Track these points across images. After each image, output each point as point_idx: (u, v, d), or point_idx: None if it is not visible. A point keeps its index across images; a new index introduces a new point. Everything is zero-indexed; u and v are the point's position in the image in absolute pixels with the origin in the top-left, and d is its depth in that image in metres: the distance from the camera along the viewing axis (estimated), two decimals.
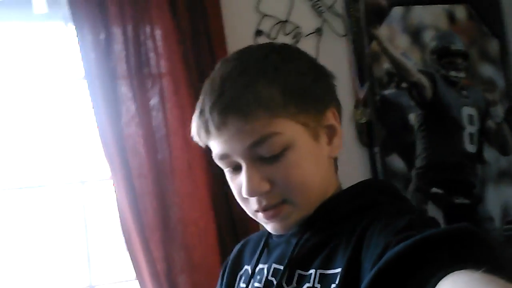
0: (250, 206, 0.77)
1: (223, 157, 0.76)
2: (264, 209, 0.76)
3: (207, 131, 0.74)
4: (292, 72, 0.76)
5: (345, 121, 2.03)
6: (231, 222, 1.75)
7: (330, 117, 0.79)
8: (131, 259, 1.74)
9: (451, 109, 2.12)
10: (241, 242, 0.97)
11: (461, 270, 0.49)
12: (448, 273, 0.50)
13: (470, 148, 2.13)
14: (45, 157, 1.92)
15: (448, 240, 0.55)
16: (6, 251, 1.88)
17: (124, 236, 1.74)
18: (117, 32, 1.78)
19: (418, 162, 2.06)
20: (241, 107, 0.71)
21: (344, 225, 0.74)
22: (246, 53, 0.80)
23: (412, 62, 2.11)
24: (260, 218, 0.78)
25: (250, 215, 0.80)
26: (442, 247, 0.54)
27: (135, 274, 1.74)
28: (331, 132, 0.79)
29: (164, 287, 1.72)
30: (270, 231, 0.81)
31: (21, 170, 1.90)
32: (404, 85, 2.09)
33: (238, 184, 0.77)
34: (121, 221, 1.74)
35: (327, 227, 0.76)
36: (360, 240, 0.69)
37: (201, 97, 0.77)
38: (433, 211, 2.03)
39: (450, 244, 0.55)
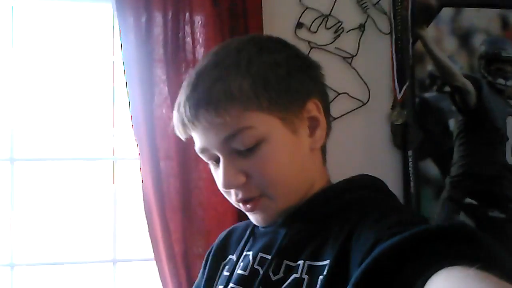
0: (231, 197, 0.79)
1: (203, 150, 0.77)
2: (242, 201, 0.77)
3: (184, 125, 0.75)
4: (266, 64, 0.75)
5: (380, 121, 1.99)
6: None
7: (312, 109, 0.77)
8: (151, 238, 1.78)
9: (495, 118, 2.02)
10: (226, 230, 0.97)
11: (454, 266, 0.48)
12: (441, 269, 0.49)
13: None
14: (78, 132, 1.99)
15: (441, 236, 0.54)
16: (35, 221, 1.97)
17: (146, 215, 1.78)
18: (157, 16, 1.81)
19: (454, 170, 1.98)
20: (212, 101, 0.72)
21: (334, 218, 0.74)
22: (224, 46, 0.79)
23: (458, 66, 2.03)
24: (242, 209, 0.79)
25: (234, 205, 0.80)
26: (435, 243, 0.54)
27: (153, 254, 1.78)
28: (313, 124, 0.78)
29: (180, 269, 1.75)
30: (253, 222, 0.82)
31: (55, 143, 1.98)
32: (447, 89, 2.02)
33: (218, 176, 0.78)
34: (144, 200, 1.78)
35: (317, 219, 0.76)
36: (350, 233, 0.69)
37: (180, 91, 0.77)
38: (465, 222, 1.95)
39: (442, 240, 0.54)
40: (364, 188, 0.79)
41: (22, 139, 1.93)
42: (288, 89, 0.75)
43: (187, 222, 1.78)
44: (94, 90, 2.01)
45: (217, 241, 0.97)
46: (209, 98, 0.72)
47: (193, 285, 0.97)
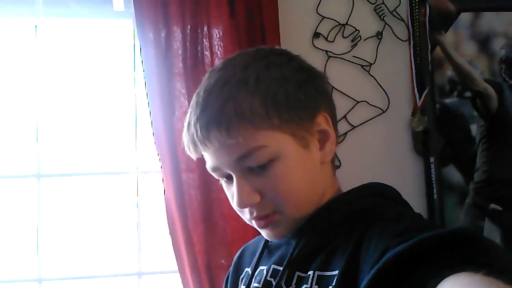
0: (244, 215, 0.79)
1: (215, 169, 0.77)
2: (256, 219, 0.77)
3: (195, 145, 0.75)
4: (274, 80, 0.74)
5: (400, 129, 1.98)
6: None
7: (321, 122, 0.77)
8: (174, 250, 1.79)
9: None
10: (238, 252, 0.98)
11: (461, 272, 0.49)
12: (448, 275, 0.49)
13: None
14: (102, 147, 2.03)
15: (448, 242, 0.55)
16: (61, 236, 2.01)
17: (169, 227, 1.80)
18: (176, 30, 1.85)
19: (477, 176, 1.96)
20: (223, 122, 0.71)
21: (344, 227, 0.74)
22: (230, 62, 0.78)
23: (478, 70, 2.01)
24: (255, 226, 0.79)
25: (247, 222, 0.80)
26: (442, 248, 0.54)
27: (176, 266, 1.80)
28: (323, 137, 0.78)
29: (203, 281, 1.76)
30: (265, 237, 0.82)
31: (79, 158, 2.02)
32: (467, 94, 2.00)
33: (231, 193, 0.77)
34: (167, 212, 1.80)
35: (327, 229, 0.76)
36: (359, 242, 0.69)
37: (189, 111, 0.77)
38: (490, 229, 1.92)
39: (449, 246, 0.54)
40: (373, 196, 0.78)
41: (48, 155, 1.97)
42: (297, 105, 0.74)
43: (210, 233, 1.79)
44: (116, 105, 2.05)
45: (232, 263, 0.98)
46: (220, 119, 0.71)
47: None
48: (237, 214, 1.71)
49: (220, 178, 0.79)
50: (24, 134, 1.98)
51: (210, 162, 0.76)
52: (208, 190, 1.79)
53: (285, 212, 0.75)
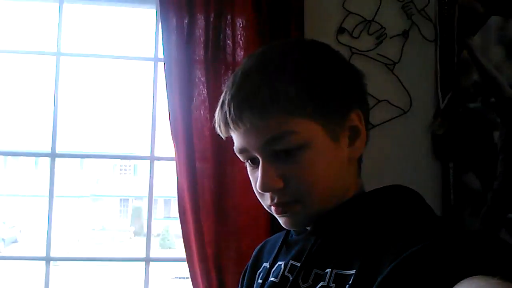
0: (265, 201, 0.78)
1: (242, 150, 0.77)
2: (276, 206, 0.76)
3: (226, 124, 0.75)
4: (313, 71, 0.75)
5: (421, 131, 1.95)
6: None
7: (354, 119, 0.77)
8: (184, 239, 1.78)
9: None
10: (259, 245, 0.98)
11: (477, 275, 0.50)
12: (464, 277, 0.50)
13: None
14: (119, 132, 2.02)
15: (466, 244, 0.56)
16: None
17: (180, 216, 1.79)
18: (200, 18, 1.83)
19: (496, 185, 1.92)
20: (257, 104, 0.72)
21: (364, 226, 0.74)
22: (270, 48, 0.80)
23: (505, 76, 1.96)
24: (273, 212, 0.78)
25: (266, 208, 0.80)
26: (460, 251, 0.56)
27: (185, 255, 1.79)
28: (354, 134, 0.78)
29: (211, 271, 1.75)
30: (281, 224, 0.81)
31: (97, 141, 2.01)
32: (492, 100, 1.95)
33: (255, 177, 0.77)
34: (179, 201, 1.79)
35: (347, 227, 0.75)
36: (379, 243, 0.68)
37: (224, 90, 0.78)
38: (506, 238, 1.88)
39: (467, 249, 0.56)
40: (397, 198, 0.77)
41: (65, 136, 1.97)
42: (333, 98, 0.75)
43: (220, 224, 1.78)
44: (136, 90, 2.04)
45: (252, 256, 0.97)
46: (254, 101, 0.72)
47: None
48: (250, 206, 1.70)
49: (245, 161, 0.79)
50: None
51: (238, 143, 0.76)
52: (222, 180, 1.78)
53: (306, 201, 0.75)
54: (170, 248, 16.55)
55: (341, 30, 1.93)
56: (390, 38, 1.96)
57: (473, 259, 0.53)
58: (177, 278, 11.54)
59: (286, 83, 0.72)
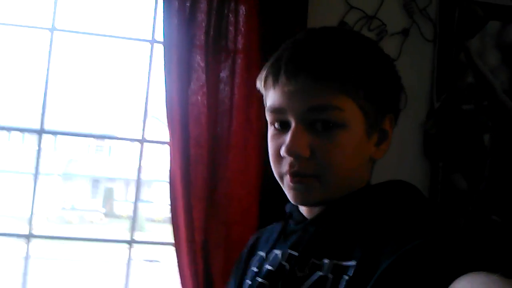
0: (281, 167, 0.76)
1: (278, 111, 0.76)
2: (293, 174, 0.75)
3: (276, 79, 0.75)
4: (377, 62, 0.77)
5: (413, 129, 1.96)
6: (274, 206, 1.74)
7: (387, 123, 0.78)
8: (172, 224, 1.77)
9: None
10: (254, 235, 0.97)
11: (479, 271, 0.51)
12: (465, 272, 0.52)
13: None
14: (110, 112, 1.98)
15: (467, 241, 0.59)
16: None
17: (171, 200, 1.77)
18: (202, 1, 1.79)
19: (483, 186, 1.95)
20: (317, 70, 0.72)
21: (365, 219, 0.74)
22: (333, 28, 0.82)
23: (499, 81, 1.99)
24: (285, 183, 0.77)
25: (277, 178, 0.79)
26: (460, 246, 0.58)
27: (173, 239, 1.77)
28: (382, 136, 0.79)
29: (198, 257, 1.74)
30: (289, 198, 0.79)
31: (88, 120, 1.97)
32: (485, 103, 1.98)
33: (278, 142, 0.76)
34: (170, 186, 1.77)
35: (348, 218, 0.76)
36: (380, 236, 0.69)
37: (278, 51, 0.77)
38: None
39: (470, 245, 0.58)
40: (399, 192, 0.78)
41: (55, 113, 1.93)
42: (384, 95, 0.77)
43: (211, 211, 1.76)
44: (131, 72, 2.00)
45: (248, 242, 0.96)
46: (315, 66, 0.72)
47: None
48: (242, 195, 1.69)
49: (274, 123, 0.77)
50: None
51: (278, 101, 0.75)
52: (215, 167, 1.76)
53: (325, 180, 0.74)
54: (140, 231, 16.56)
55: (342, 24, 1.93)
56: (390, 35, 1.96)
57: (474, 255, 0.55)
58: (147, 261, 11.56)
59: (352, 62, 0.73)
